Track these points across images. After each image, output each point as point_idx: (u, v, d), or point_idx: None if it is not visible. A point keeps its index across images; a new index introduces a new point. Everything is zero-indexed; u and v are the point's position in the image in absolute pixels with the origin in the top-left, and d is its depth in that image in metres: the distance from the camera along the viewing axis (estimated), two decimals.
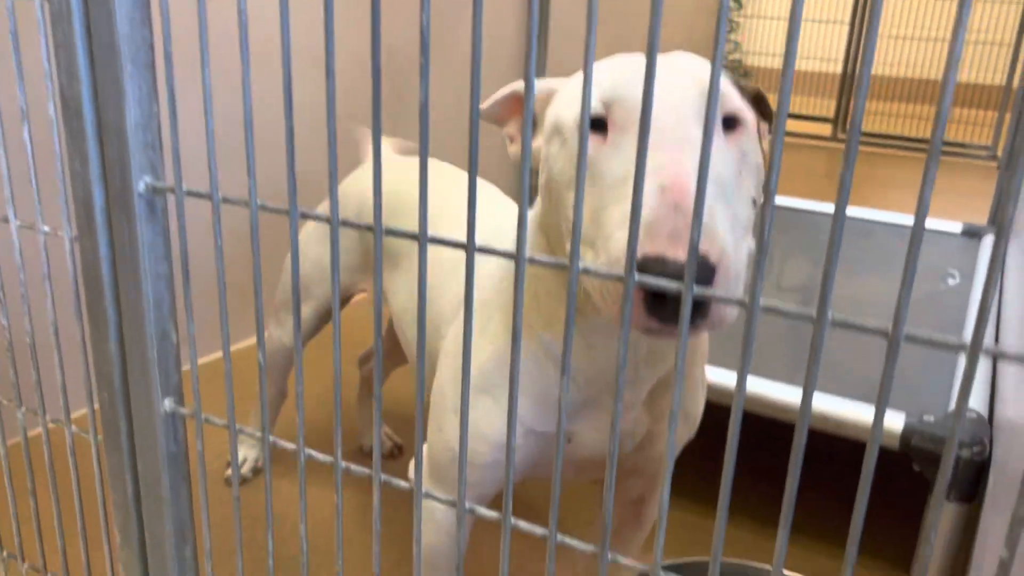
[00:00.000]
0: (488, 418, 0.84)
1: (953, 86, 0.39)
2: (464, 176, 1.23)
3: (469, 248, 0.55)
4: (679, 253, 0.55)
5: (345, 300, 1.35)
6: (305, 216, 0.63)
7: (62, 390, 0.80)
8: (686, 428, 0.91)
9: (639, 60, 0.70)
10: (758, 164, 0.68)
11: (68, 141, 0.68)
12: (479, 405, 0.85)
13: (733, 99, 0.68)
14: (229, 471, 1.56)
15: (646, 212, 0.59)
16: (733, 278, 0.57)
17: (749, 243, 0.69)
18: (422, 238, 0.58)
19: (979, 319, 0.43)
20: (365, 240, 1.22)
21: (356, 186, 1.27)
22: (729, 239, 0.58)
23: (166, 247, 0.70)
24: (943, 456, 0.45)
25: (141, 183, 0.67)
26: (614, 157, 0.65)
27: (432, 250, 1.08)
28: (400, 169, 1.24)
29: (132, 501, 0.78)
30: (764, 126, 0.78)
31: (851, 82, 4.87)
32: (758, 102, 0.76)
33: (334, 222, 0.58)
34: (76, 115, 0.67)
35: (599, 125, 0.68)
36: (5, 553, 0.95)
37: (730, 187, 0.64)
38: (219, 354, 2.01)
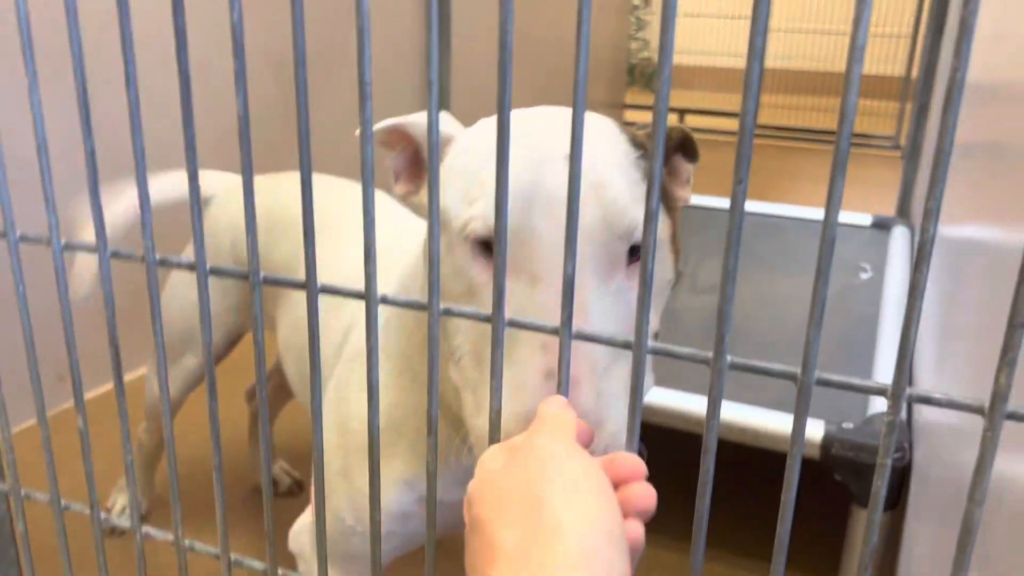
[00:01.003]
0: (380, 484, 0.73)
1: (858, 83, 0.32)
2: (352, 186, 1.13)
3: (369, 300, 0.46)
4: None
5: (236, 341, 1.23)
6: (117, 255, 0.53)
7: None
8: None
9: (528, 151, 0.57)
10: (669, 280, 0.62)
11: None
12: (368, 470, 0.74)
13: (641, 219, 0.56)
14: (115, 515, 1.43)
15: (527, 397, 0.49)
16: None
17: (650, 380, 0.61)
18: (310, 287, 0.49)
19: (899, 359, 0.36)
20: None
21: (225, 216, 1.14)
22: (621, 415, 0.50)
23: None
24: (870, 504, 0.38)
25: None
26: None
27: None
28: (268, 186, 1.13)
29: None
30: (689, 167, 0.70)
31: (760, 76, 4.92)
32: (684, 144, 0.68)
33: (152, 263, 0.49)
34: None
35: (489, 247, 0.56)
36: None
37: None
38: (100, 390, 1.86)
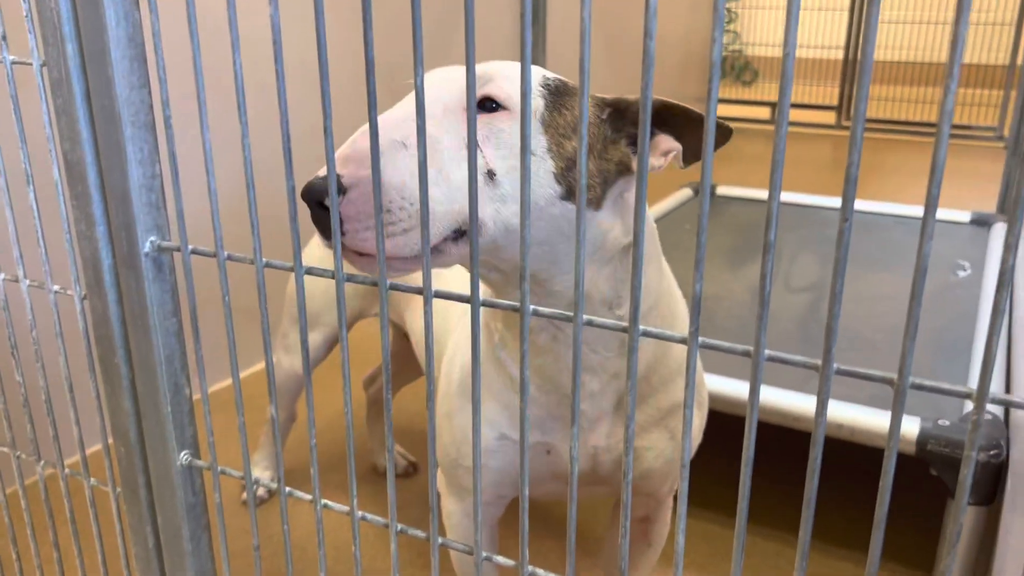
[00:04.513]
0: (470, 424, 0.88)
1: (957, 77, 0.39)
2: None
3: (473, 302, 0.56)
4: (320, 172, 0.62)
5: (353, 324, 1.36)
6: (311, 272, 0.63)
7: (79, 444, 0.80)
8: (675, 446, 0.90)
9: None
10: (512, 145, 0.69)
11: (73, 204, 0.69)
12: (464, 411, 0.91)
13: (498, 85, 0.70)
14: (244, 494, 1.57)
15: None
16: (362, 199, 0.62)
17: (491, 213, 0.69)
18: (426, 293, 0.58)
19: (984, 367, 0.43)
20: None
21: None
22: (390, 177, 0.63)
23: (174, 303, 0.71)
24: (960, 472, 0.45)
25: (147, 243, 0.68)
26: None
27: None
28: None
29: (154, 552, 0.78)
30: (668, 142, 0.74)
31: (853, 68, 4.85)
32: (663, 114, 0.73)
33: (338, 277, 0.58)
34: (80, 179, 0.68)
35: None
36: None
37: (445, 151, 0.67)
38: (227, 382, 2.02)
